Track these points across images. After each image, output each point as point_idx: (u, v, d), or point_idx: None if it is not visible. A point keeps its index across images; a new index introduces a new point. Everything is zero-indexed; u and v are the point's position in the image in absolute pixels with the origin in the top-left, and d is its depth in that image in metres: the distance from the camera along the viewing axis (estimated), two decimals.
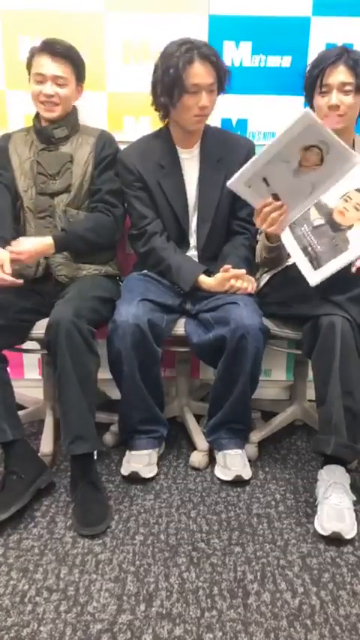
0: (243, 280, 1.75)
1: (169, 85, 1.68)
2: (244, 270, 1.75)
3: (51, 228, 1.82)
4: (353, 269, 1.54)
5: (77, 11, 2.00)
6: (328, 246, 1.53)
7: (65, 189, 1.84)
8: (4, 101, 2.06)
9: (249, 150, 1.86)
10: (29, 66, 1.82)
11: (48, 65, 1.77)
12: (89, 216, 1.86)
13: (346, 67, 1.65)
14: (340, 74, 1.66)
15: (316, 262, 1.55)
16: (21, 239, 1.74)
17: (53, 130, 1.83)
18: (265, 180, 1.55)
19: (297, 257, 1.59)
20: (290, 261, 1.69)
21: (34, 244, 1.73)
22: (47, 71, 1.77)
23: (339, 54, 1.66)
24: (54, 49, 1.77)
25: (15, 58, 2.00)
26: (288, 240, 1.61)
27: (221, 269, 1.75)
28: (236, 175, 1.55)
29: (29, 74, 1.82)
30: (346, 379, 1.53)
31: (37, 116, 1.88)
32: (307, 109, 1.48)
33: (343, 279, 1.57)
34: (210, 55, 1.67)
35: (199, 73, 1.66)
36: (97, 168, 1.87)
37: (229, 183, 1.56)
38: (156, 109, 1.81)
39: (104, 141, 1.89)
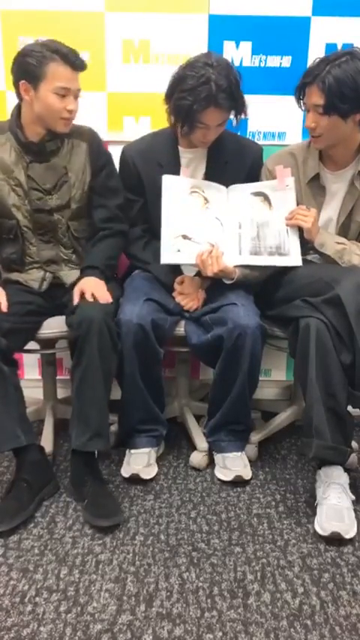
0: (187, 298, 1.78)
1: (181, 115, 1.67)
2: (186, 290, 1.79)
3: (54, 242, 1.77)
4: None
5: (77, 11, 2.00)
6: (275, 240, 1.74)
7: (65, 204, 1.74)
8: (4, 101, 2.06)
9: (255, 155, 1.86)
10: (36, 73, 1.59)
11: (72, 79, 1.62)
12: (104, 249, 1.78)
13: (318, 89, 1.55)
14: (312, 95, 1.58)
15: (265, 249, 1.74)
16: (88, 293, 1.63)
17: (45, 144, 1.69)
18: (184, 237, 1.72)
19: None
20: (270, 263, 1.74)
21: (97, 287, 1.66)
22: (73, 86, 1.63)
23: (316, 75, 1.55)
24: (75, 62, 1.61)
25: None
26: (240, 260, 1.73)
27: (176, 280, 1.80)
28: (162, 255, 1.70)
29: (33, 80, 1.60)
30: (325, 381, 1.53)
31: (20, 126, 1.69)
32: (164, 175, 1.72)
33: (319, 281, 1.59)
34: (226, 101, 1.62)
35: (212, 117, 1.65)
36: (96, 177, 1.77)
37: (162, 263, 1.71)
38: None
39: (97, 145, 1.78)
